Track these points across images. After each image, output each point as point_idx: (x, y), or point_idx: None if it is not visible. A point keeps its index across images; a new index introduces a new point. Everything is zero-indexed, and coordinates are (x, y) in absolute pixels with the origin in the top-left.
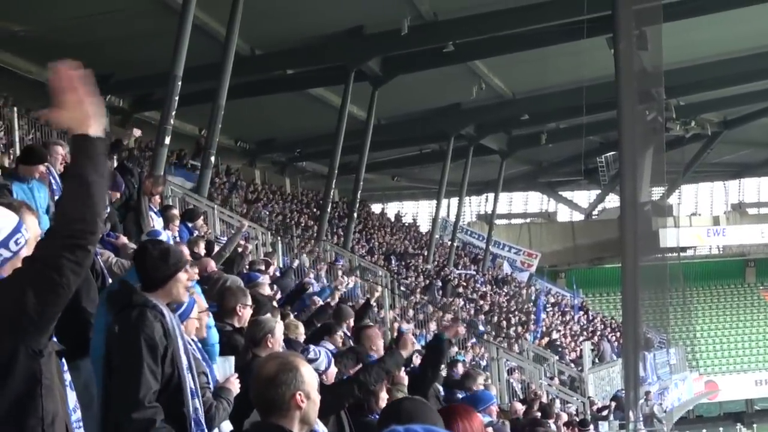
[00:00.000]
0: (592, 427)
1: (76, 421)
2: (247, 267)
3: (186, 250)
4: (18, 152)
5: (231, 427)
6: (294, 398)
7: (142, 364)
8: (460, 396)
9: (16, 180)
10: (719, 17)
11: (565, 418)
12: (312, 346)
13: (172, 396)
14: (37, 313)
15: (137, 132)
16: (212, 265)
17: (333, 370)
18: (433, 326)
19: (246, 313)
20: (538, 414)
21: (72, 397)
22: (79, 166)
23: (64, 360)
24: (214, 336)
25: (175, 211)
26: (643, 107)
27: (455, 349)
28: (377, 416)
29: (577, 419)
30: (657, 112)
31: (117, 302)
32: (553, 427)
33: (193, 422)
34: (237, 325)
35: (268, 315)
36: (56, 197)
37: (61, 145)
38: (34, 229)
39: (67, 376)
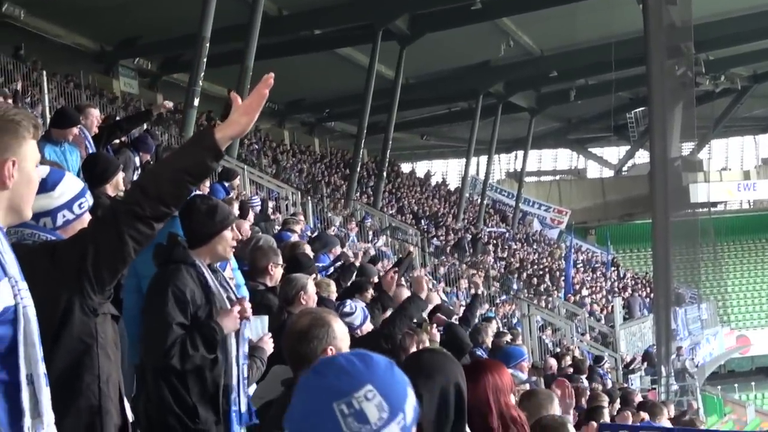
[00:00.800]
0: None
1: None
2: (279, 226)
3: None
4: (48, 115)
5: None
6: (325, 352)
7: (168, 316)
8: (479, 352)
9: (48, 142)
10: None
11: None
12: (348, 301)
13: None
14: (96, 273)
15: (169, 104)
16: (245, 228)
17: (368, 326)
18: (464, 284)
19: (278, 272)
20: (570, 369)
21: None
22: (184, 154)
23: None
24: (244, 292)
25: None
26: (673, 62)
27: (486, 306)
28: None
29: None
30: (686, 66)
31: (159, 257)
32: (586, 382)
33: (238, 386)
34: (269, 284)
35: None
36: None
37: (95, 108)
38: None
39: None
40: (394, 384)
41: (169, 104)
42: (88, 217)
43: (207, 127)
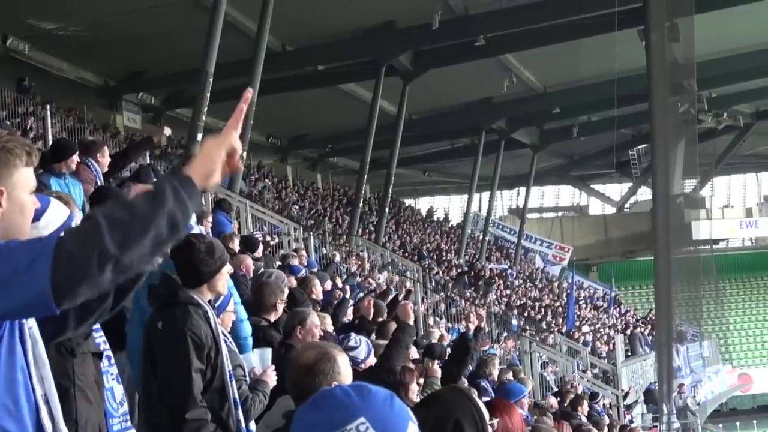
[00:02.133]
0: (601, 396)
1: (123, 414)
2: (280, 261)
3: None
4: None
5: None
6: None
7: (191, 363)
8: (483, 384)
9: (52, 176)
10: (751, 8)
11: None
12: (353, 334)
13: (216, 402)
14: (73, 312)
15: (167, 130)
16: (248, 263)
17: (372, 359)
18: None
19: (281, 308)
20: (568, 407)
21: (119, 390)
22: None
23: (110, 353)
24: (247, 329)
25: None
26: (675, 99)
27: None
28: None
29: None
30: (689, 103)
31: (160, 299)
32: (584, 418)
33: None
34: (272, 319)
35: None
36: None
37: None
38: (79, 217)
39: (114, 370)
40: (392, 418)
41: (168, 130)
42: None
43: (177, 166)
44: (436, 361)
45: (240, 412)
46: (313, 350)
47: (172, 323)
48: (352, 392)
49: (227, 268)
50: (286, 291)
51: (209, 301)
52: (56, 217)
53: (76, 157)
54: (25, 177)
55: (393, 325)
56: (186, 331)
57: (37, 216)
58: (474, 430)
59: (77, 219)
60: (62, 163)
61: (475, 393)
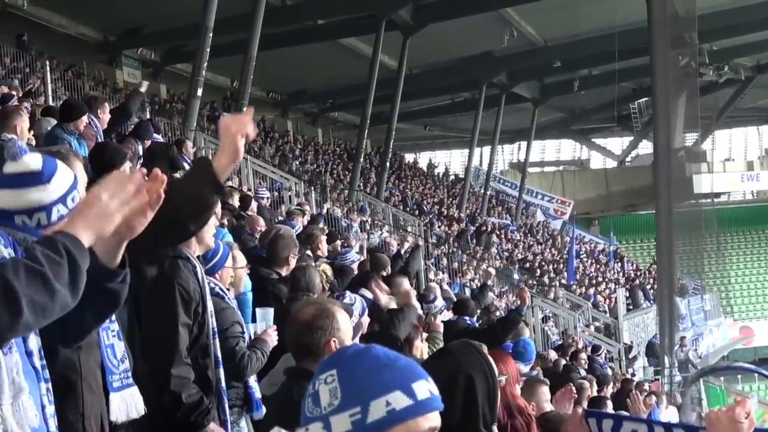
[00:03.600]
0: (603, 350)
1: (124, 371)
2: (284, 215)
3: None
4: (50, 103)
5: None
6: (329, 344)
7: (178, 317)
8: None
9: (65, 132)
10: None
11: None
12: (348, 292)
13: (197, 358)
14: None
15: (145, 83)
16: (261, 223)
17: (366, 319)
18: (469, 275)
19: (294, 263)
20: (569, 361)
21: (120, 347)
22: (189, 188)
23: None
24: (248, 284)
25: None
26: (676, 52)
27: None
28: None
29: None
30: (690, 57)
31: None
32: (583, 371)
33: (218, 393)
34: (283, 273)
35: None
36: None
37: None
38: (82, 176)
39: (115, 327)
40: (366, 376)
41: (146, 84)
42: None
43: (205, 159)
44: (439, 316)
45: (221, 370)
46: (311, 307)
47: (161, 276)
48: (351, 349)
49: (213, 221)
50: (297, 247)
51: (200, 257)
52: (65, 180)
53: (85, 118)
54: None
55: (401, 280)
56: (174, 284)
57: (49, 177)
58: (484, 384)
59: (81, 171)
60: (71, 123)
61: (485, 348)
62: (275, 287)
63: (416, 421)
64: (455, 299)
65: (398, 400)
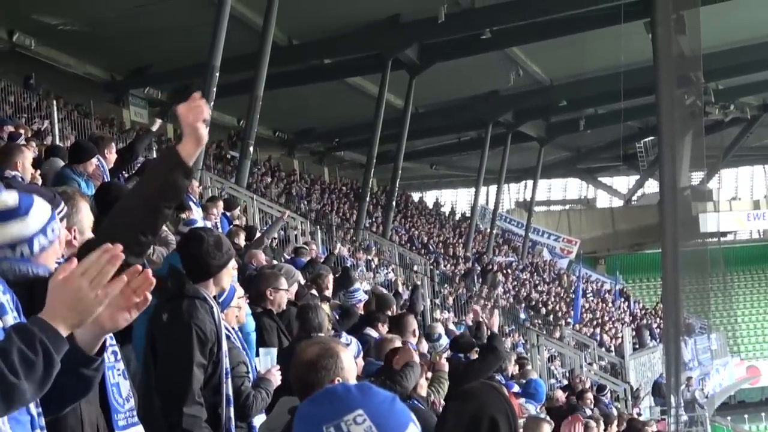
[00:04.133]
0: (608, 390)
1: (129, 409)
2: (292, 254)
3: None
4: (56, 143)
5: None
6: (333, 384)
7: (193, 357)
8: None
9: (74, 173)
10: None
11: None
12: (344, 333)
13: (209, 397)
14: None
15: (159, 121)
16: (260, 258)
17: (360, 361)
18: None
19: (278, 297)
20: (574, 399)
21: (125, 386)
22: (152, 178)
23: (117, 349)
24: (252, 324)
25: (219, 202)
26: (682, 91)
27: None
28: (416, 402)
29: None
30: (696, 96)
31: (166, 290)
32: (588, 411)
33: (227, 429)
34: (269, 307)
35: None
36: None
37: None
38: (88, 216)
39: (120, 366)
40: (391, 414)
41: (159, 121)
42: (58, 244)
43: (169, 147)
44: (444, 355)
45: (231, 409)
46: (315, 346)
47: (178, 316)
48: (353, 388)
49: (233, 263)
50: (283, 280)
51: (215, 297)
52: (42, 212)
53: (95, 160)
54: None
55: (410, 318)
56: (192, 325)
57: (27, 210)
58: (507, 428)
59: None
60: (80, 165)
61: (505, 389)
62: (259, 320)
63: None
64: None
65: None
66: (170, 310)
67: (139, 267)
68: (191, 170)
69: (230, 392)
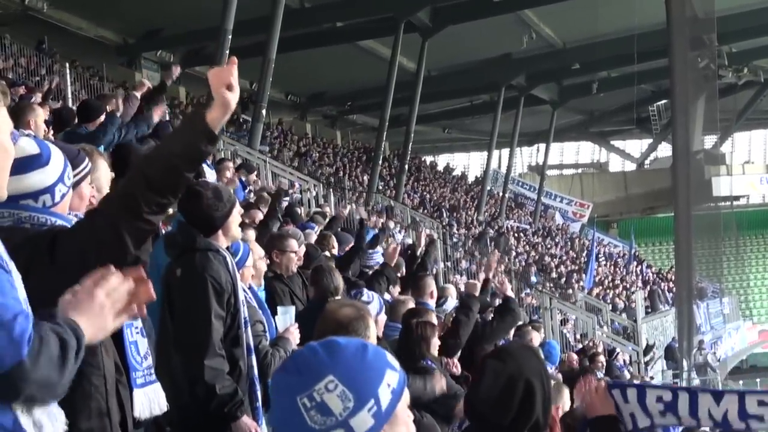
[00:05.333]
0: (620, 353)
1: (147, 368)
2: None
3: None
4: (69, 105)
5: None
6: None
7: (211, 308)
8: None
9: (85, 132)
10: None
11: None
12: (366, 290)
13: (228, 348)
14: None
15: (177, 69)
16: (259, 216)
17: (383, 317)
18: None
19: (285, 259)
20: (587, 362)
21: (143, 344)
22: (176, 140)
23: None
24: (262, 294)
25: (229, 164)
26: (695, 54)
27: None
28: (429, 362)
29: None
30: (709, 59)
31: (177, 246)
32: (600, 374)
33: (251, 380)
34: (278, 271)
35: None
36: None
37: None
38: (106, 173)
39: (138, 323)
40: (363, 370)
41: (177, 69)
42: (78, 197)
43: (197, 110)
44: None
45: (253, 357)
46: (350, 308)
47: (191, 269)
48: (319, 349)
49: (238, 210)
50: (290, 242)
51: (228, 248)
52: (59, 160)
53: (103, 117)
54: (5, 117)
55: (430, 279)
56: (207, 277)
57: (47, 159)
58: (541, 391)
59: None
60: (90, 123)
61: (541, 353)
62: (269, 284)
63: (406, 391)
64: None
65: (392, 378)
66: (183, 264)
67: (144, 274)
68: (216, 137)
69: (251, 342)
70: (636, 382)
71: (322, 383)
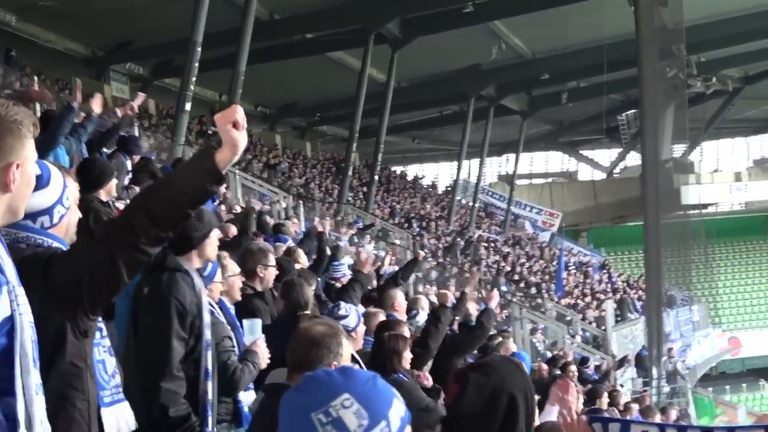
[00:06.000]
0: (592, 363)
1: (115, 386)
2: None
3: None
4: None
5: (254, 397)
6: (329, 366)
7: (172, 329)
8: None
9: None
10: None
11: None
12: (343, 303)
13: (189, 370)
14: (89, 299)
15: (142, 96)
16: (233, 231)
17: (362, 329)
18: (456, 288)
19: (268, 274)
20: (558, 372)
21: (111, 363)
22: (183, 178)
23: (103, 325)
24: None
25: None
26: (664, 64)
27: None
28: (401, 375)
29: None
30: (678, 68)
31: (148, 264)
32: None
33: (203, 405)
34: (258, 288)
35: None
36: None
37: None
38: (75, 193)
39: (106, 342)
40: (376, 394)
41: (142, 96)
42: (74, 211)
43: (206, 150)
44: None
45: (209, 383)
46: (323, 326)
47: (157, 289)
48: (334, 373)
49: (216, 234)
50: (271, 256)
51: (198, 269)
52: (58, 181)
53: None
54: (32, 148)
55: (395, 292)
56: (171, 298)
57: (48, 181)
58: (525, 405)
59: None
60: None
61: (524, 366)
62: (250, 303)
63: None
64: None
65: (399, 407)
66: (150, 283)
67: None
68: (223, 178)
69: (209, 365)
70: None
71: (339, 400)
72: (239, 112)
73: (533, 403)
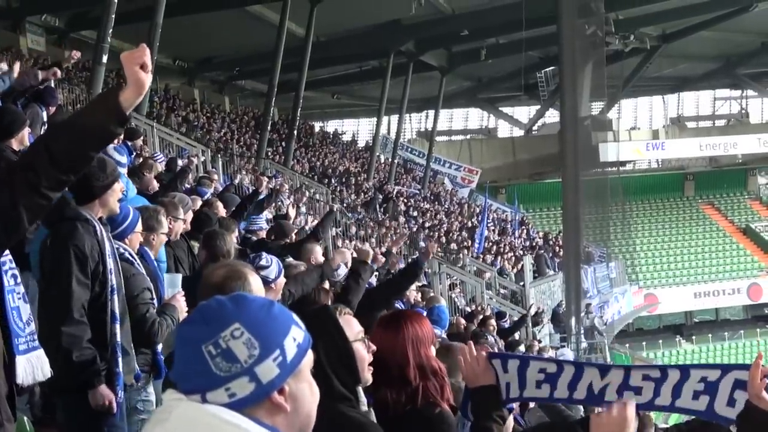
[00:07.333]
0: (508, 316)
1: (30, 333)
2: (194, 183)
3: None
4: None
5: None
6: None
7: (72, 275)
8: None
9: None
10: None
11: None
12: (264, 253)
13: (96, 315)
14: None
15: (76, 54)
16: (154, 184)
17: (282, 280)
18: (375, 243)
19: (176, 226)
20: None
21: (26, 310)
22: (85, 118)
23: (17, 272)
24: (164, 254)
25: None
26: (583, 21)
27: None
28: None
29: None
30: (596, 26)
31: (51, 216)
32: (491, 339)
33: (112, 347)
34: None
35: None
36: None
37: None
38: None
39: (20, 289)
40: (270, 321)
41: (77, 54)
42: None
43: (111, 89)
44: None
45: (117, 326)
46: (222, 269)
47: (57, 238)
48: (227, 302)
49: (119, 185)
50: (180, 208)
51: (101, 218)
52: None
53: None
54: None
55: (313, 245)
56: (69, 245)
57: None
58: (334, 349)
59: None
60: None
61: (343, 310)
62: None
63: (310, 353)
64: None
65: (297, 334)
66: (51, 234)
67: None
68: (127, 118)
69: (116, 309)
70: (522, 354)
71: (228, 330)
72: (147, 53)
73: (347, 344)
